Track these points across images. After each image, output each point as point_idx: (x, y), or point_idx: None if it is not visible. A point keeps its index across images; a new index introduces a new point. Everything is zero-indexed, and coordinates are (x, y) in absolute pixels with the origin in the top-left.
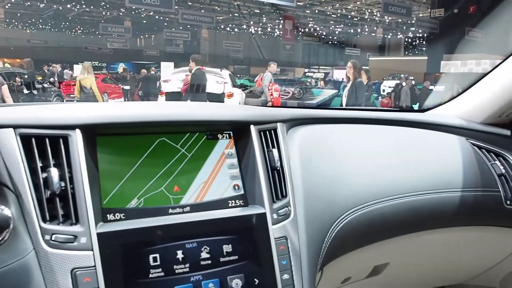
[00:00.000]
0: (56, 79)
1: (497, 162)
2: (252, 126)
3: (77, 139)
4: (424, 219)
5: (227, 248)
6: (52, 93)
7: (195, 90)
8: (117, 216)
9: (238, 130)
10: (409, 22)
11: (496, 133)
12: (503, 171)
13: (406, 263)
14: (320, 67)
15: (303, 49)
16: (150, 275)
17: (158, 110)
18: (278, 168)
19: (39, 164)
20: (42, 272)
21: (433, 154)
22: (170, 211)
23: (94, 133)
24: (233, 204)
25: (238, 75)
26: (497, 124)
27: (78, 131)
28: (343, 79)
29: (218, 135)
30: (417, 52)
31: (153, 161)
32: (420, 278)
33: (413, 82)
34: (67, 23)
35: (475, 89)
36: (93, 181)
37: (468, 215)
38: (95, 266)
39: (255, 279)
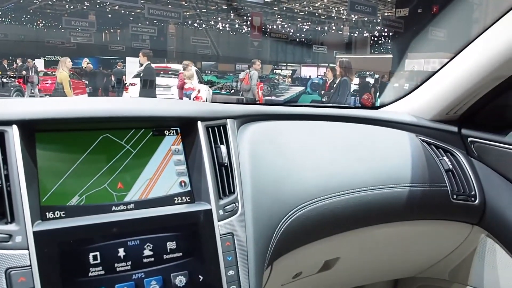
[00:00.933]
0: (32, 74)
1: (445, 158)
2: (199, 122)
3: (13, 136)
4: (374, 214)
5: (171, 245)
6: (11, 88)
7: (147, 85)
8: (57, 214)
9: (186, 126)
10: (375, 21)
11: (444, 129)
12: (451, 166)
13: (357, 257)
14: (288, 64)
15: (271, 46)
16: (90, 274)
17: (101, 105)
18: (226, 165)
19: None
20: None
21: (384, 150)
22: (113, 208)
23: (32, 129)
24: (179, 201)
25: (206, 72)
26: (445, 121)
27: (15, 127)
28: (310, 76)
29: (165, 131)
30: (382, 50)
31: (96, 157)
32: (372, 272)
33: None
34: (28, 16)
35: (425, 87)
36: (31, 179)
37: (417, 209)
38: (30, 265)
39: (200, 276)
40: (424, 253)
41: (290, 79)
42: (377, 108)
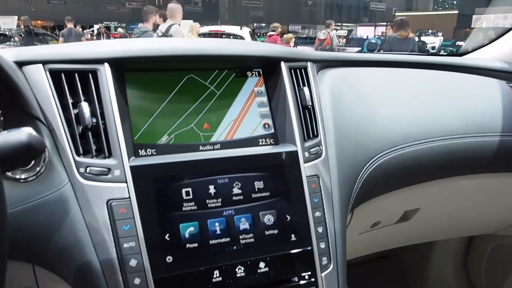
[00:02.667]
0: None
1: None
2: (282, 63)
3: (106, 73)
4: (459, 164)
5: (258, 184)
6: None
7: None
8: (149, 151)
9: (268, 68)
10: None
11: None
12: None
13: (437, 210)
14: (343, 24)
15: (325, 5)
16: (184, 208)
17: (187, 44)
18: (309, 107)
19: (70, 100)
20: (79, 203)
21: (471, 97)
22: (201, 148)
23: (122, 69)
24: (263, 143)
25: (258, 34)
26: None
27: (106, 65)
28: (367, 36)
29: (247, 73)
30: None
31: (182, 98)
32: (450, 227)
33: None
34: None
35: None
36: (124, 117)
37: (506, 160)
38: (129, 198)
39: (287, 216)
40: (507, 208)
41: (345, 40)
42: (461, 55)
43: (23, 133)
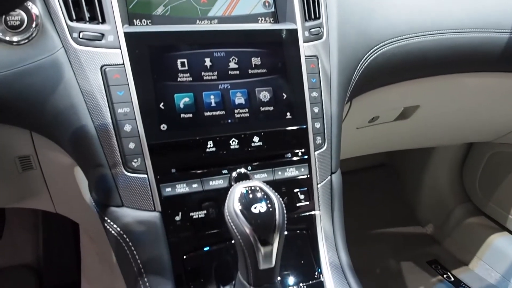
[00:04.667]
0: None
1: None
2: None
3: None
4: (466, 59)
5: (255, 60)
6: None
7: None
8: (144, 22)
9: None
10: None
11: None
12: None
13: (437, 109)
14: None
15: None
16: (179, 79)
17: None
18: None
19: None
20: (73, 69)
21: None
22: (198, 22)
23: None
24: (263, 21)
25: None
26: None
27: None
28: None
29: None
30: None
31: None
32: (449, 131)
33: None
34: None
35: None
36: None
37: None
38: (123, 64)
39: (283, 94)
40: (507, 112)
41: None
42: None
43: None
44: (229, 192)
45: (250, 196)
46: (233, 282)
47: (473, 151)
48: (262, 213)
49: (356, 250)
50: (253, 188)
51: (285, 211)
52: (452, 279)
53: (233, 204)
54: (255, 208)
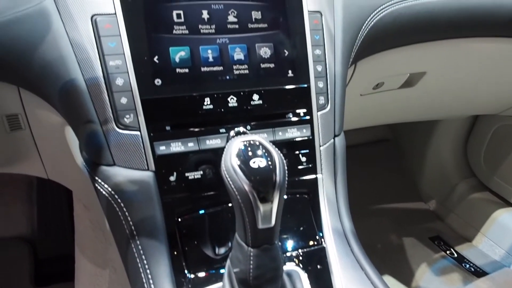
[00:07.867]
0: None
1: None
2: None
3: None
4: (476, 22)
5: (256, 14)
6: None
7: None
8: None
9: None
10: None
11: None
12: None
13: (443, 77)
14: None
15: None
16: (174, 31)
17: None
18: None
19: None
20: (62, 18)
21: None
22: None
23: None
24: None
25: None
26: None
27: None
28: None
29: None
30: None
31: None
32: (454, 101)
33: None
34: None
35: None
36: None
37: None
38: (115, 13)
39: (285, 50)
40: None
41: None
42: None
43: None
44: (226, 146)
45: (249, 150)
46: (229, 244)
47: (478, 124)
48: (261, 168)
49: (358, 226)
50: (252, 142)
51: (286, 167)
52: (455, 255)
53: (230, 159)
54: (254, 162)
